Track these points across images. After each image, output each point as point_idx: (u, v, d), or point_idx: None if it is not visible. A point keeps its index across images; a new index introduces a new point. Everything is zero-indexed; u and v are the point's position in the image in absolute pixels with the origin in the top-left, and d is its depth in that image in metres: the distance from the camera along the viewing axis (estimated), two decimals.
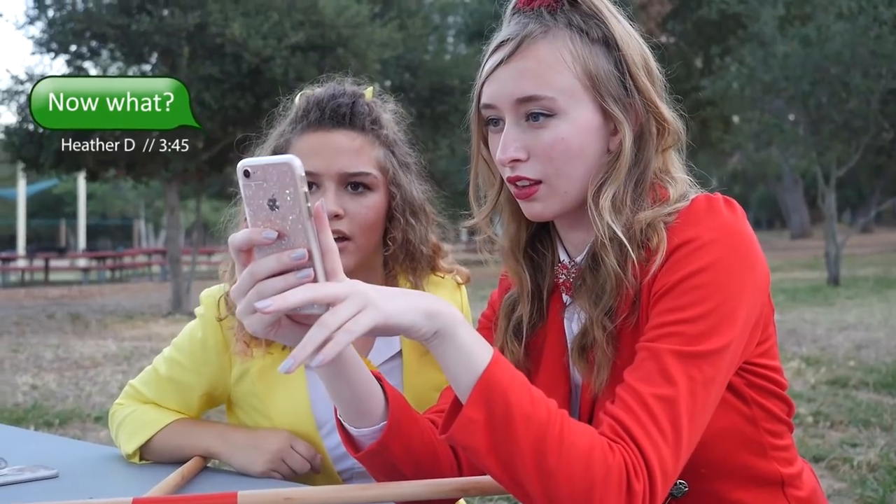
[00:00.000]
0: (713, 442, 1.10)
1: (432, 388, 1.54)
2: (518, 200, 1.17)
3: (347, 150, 1.48)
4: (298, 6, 12.89)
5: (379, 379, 1.13)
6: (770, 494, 1.17)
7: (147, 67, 13.55)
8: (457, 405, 1.02)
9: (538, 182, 1.13)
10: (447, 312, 0.97)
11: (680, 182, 1.17)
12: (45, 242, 37.40)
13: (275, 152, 1.51)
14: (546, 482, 0.94)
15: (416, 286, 1.59)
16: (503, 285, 1.36)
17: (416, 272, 1.60)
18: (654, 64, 1.17)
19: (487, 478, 1.11)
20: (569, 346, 1.21)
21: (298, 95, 1.58)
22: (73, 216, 37.46)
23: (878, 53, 12.80)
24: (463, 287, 1.70)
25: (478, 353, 0.97)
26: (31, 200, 35.32)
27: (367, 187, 1.49)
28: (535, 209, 1.16)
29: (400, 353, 1.58)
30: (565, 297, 1.23)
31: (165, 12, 12.70)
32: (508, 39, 1.13)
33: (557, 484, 0.94)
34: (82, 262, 24.00)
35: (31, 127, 12.75)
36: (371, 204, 1.49)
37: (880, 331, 8.36)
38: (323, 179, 1.47)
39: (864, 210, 33.11)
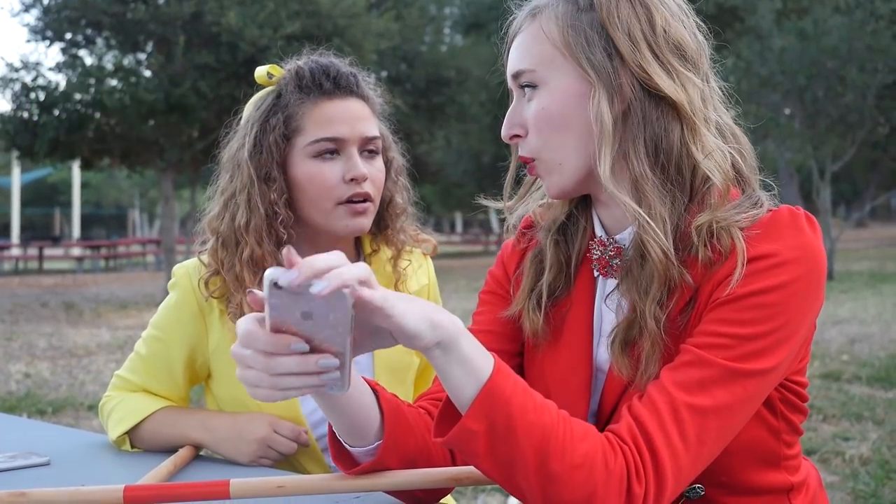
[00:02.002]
0: (738, 453, 1.08)
1: (403, 350, 1.57)
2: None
3: (364, 116, 1.55)
4: None
5: (375, 390, 1.09)
6: (776, 501, 1.16)
7: (142, 56, 13.51)
8: (451, 409, 0.99)
9: (532, 159, 1.14)
10: (448, 322, 0.92)
11: (719, 159, 1.08)
12: (39, 231, 37.40)
13: (286, 120, 1.52)
14: (547, 487, 0.93)
15: (397, 249, 1.64)
16: (521, 240, 1.30)
17: (404, 233, 1.65)
18: (657, 29, 1.08)
19: None
20: (596, 332, 1.18)
21: (265, 71, 1.58)
22: (67, 205, 37.40)
23: (874, 48, 12.83)
24: (429, 259, 1.75)
25: (479, 363, 0.93)
26: (26, 189, 35.24)
27: (377, 151, 1.58)
28: (546, 185, 1.15)
29: None
30: (596, 274, 1.19)
31: (161, 1, 12.66)
32: (517, 16, 1.17)
33: (559, 489, 0.93)
34: (76, 251, 23.93)
35: (25, 115, 12.72)
36: (381, 167, 1.58)
37: (874, 325, 8.39)
38: (347, 144, 1.53)
39: (858, 205, 33.19)
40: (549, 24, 1.10)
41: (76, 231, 31.98)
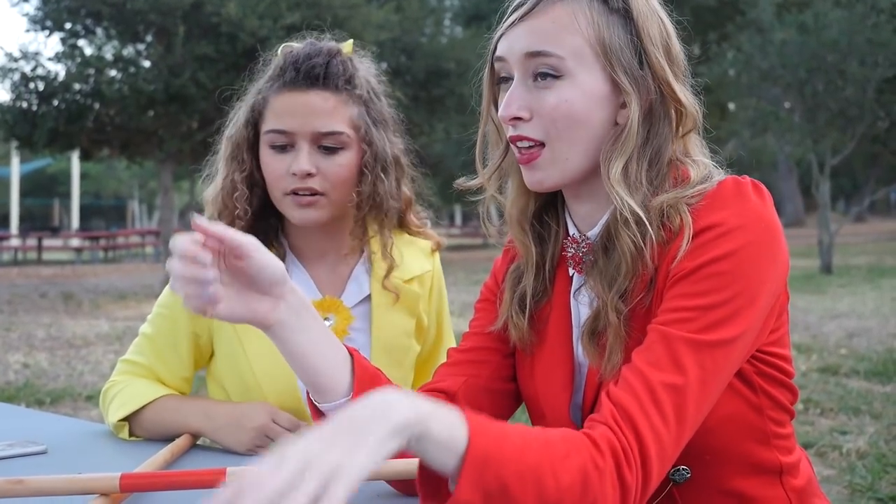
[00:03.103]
0: (718, 429, 1.08)
1: (401, 332, 1.64)
2: (520, 167, 1.16)
3: (321, 111, 1.53)
4: None
5: (352, 354, 1.13)
6: (768, 482, 1.15)
7: (142, 46, 13.50)
8: (433, 475, 0.95)
9: (541, 145, 1.11)
10: (411, 415, 0.83)
11: (702, 165, 1.14)
12: (38, 222, 37.42)
13: (252, 109, 1.58)
14: None
15: (382, 236, 1.65)
16: (507, 255, 1.34)
17: (384, 222, 1.65)
18: (677, 46, 1.15)
19: None
20: (576, 327, 1.20)
21: (281, 49, 1.61)
22: (66, 196, 37.41)
23: (874, 42, 12.82)
24: (436, 254, 1.76)
25: (455, 437, 0.86)
26: (25, 179, 35.24)
27: (340, 146, 1.55)
28: (535, 177, 1.14)
29: (369, 296, 1.64)
30: (572, 272, 1.21)
31: None
32: (526, 0, 1.14)
33: None
34: (75, 242, 23.94)
35: (24, 105, 12.72)
36: (343, 161, 1.55)
37: (872, 319, 8.40)
38: (297, 139, 1.53)
39: (857, 199, 33.22)
40: (580, 17, 1.10)
41: (75, 222, 32.01)
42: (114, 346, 7.52)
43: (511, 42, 1.13)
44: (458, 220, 43.90)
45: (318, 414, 1.13)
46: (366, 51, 1.68)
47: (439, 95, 16.11)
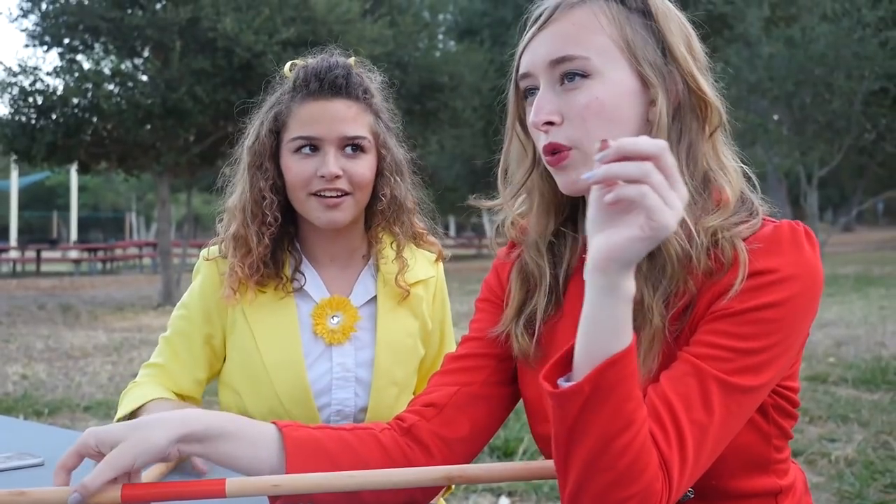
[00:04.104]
0: (728, 458, 1.07)
1: (405, 333, 1.74)
2: (552, 170, 1.12)
3: (345, 117, 1.64)
4: (290, 2, 12.93)
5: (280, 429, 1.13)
6: None
7: (139, 61, 13.59)
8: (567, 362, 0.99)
9: (570, 147, 1.09)
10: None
11: (733, 173, 1.12)
12: (37, 234, 37.34)
13: (276, 118, 1.67)
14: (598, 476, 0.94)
15: (397, 238, 1.75)
16: (497, 270, 1.34)
17: (402, 226, 1.76)
18: (697, 43, 1.14)
19: (472, 466, 1.10)
20: None
21: (288, 66, 1.73)
22: (65, 208, 37.35)
23: (860, 55, 12.92)
24: (440, 263, 1.85)
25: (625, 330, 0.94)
26: (24, 192, 35.17)
27: (362, 149, 1.66)
28: (568, 177, 1.10)
29: (375, 298, 1.75)
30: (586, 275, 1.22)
31: (158, 6, 12.72)
32: (545, 10, 1.13)
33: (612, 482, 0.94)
34: (74, 254, 23.93)
35: (23, 119, 12.79)
36: (366, 164, 1.66)
37: (860, 328, 8.40)
38: (324, 143, 1.63)
39: (845, 209, 33.25)
40: (601, 17, 1.09)
41: (73, 234, 31.95)
42: (111, 357, 7.55)
43: (534, 52, 1.12)
44: (453, 230, 43.83)
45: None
46: (363, 64, 1.78)
47: (433, 109, 16.14)
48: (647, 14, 1.11)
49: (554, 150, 1.10)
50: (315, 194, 1.64)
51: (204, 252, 1.77)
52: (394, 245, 1.76)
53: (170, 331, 1.75)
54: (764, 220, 1.10)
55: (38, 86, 12.80)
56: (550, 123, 1.10)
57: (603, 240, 0.92)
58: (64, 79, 12.88)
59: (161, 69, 12.58)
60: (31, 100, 12.72)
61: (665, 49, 1.10)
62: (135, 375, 1.78)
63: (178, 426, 1.05)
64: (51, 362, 7.42)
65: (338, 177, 1.63)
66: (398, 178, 1.73)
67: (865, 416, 4.87)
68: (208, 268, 1.74)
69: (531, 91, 1.15)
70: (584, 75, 1.08)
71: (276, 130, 1.68)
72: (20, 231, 31.66)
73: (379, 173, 1.70)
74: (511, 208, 1.24)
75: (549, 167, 1.13)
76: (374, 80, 1.74)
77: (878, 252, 22.70)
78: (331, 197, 1.63)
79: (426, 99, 15.87)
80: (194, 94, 12.29)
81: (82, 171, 14.87)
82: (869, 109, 13.60)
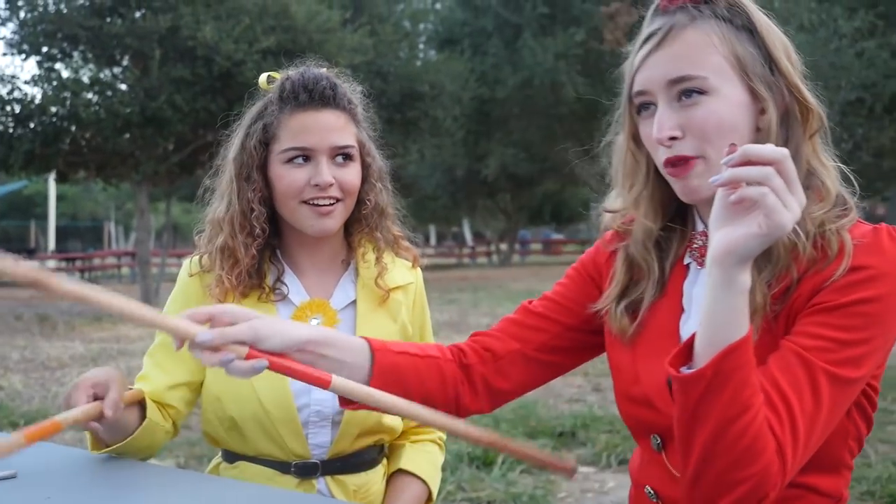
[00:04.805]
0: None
1: (384, 336, 1.73)
2: (672, 180, 1.21)
3: (335, 127, 1.67)
4: (270, 11, 12.97)
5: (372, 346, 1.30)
6: None
7: (118, 70, 13.56)
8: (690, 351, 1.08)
9: (695, 157, 1.17)
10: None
11: (831, 171, 1.21)
12: (14, 243, 37.00)
13: (265, 129, 1.69)
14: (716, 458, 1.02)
15: (378, 243, 1.78)
16: (598, 251, 1.44)
17: (383, 232, 1.79)
18: (794, 53, 1.22)
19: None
20: (686, 317, 1.27)
21: (264, 78, 1.74)
22: (43, 217, 37.12)
23: (837, 66, 13.06)
24: (418, 269, 1.89)
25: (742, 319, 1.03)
26: (1, 201, 34.98)
27: (351, 158, 1.70)
28: (690, 186, 1.19)
29: (355, 302, 1.77)
30: (687, 261, 1.29)
31: (137, 15, 12.72)
32: (657, 30, 1.20)
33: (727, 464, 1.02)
34: (52, 264, 23.81)
35: (0, 128, 12.72)
36: (355, 172, 1.70)
37: None
38: (316, 153, 1.66)
39: None
40: (713, 37, 1.17)
41: (51, 243, 31.83)
42: (88, 368, 7.42)
43: (650, 73, 1.20)
44: (433, 239, 43.90)
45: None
46: (343, 75, 1.80)
47: (414, 118, 16.22)
48: (752, 30, 1.19)
49: (677, 161, 1.19)
50: (307, 203, 1.66)
51: (186, 266, 1.77)
52: (374, 250, 1.79)
53: (152, 345, 1.76)
54: (857, 220, 1.18)
55: (16, 94, 12.78)
56: (674, 138, 1.18)
57: (723, 236, 1.02)
58: (42, 87, 12.85)
59: (140, 78, 12.57)
60: (8, 108, 12.69)
61: (771, 62, 1.19)
62: None
63: (308, 330, 1.23)
64: (27, 373, 7.38)
65: (330, 184, 1.66)
66: (381, 185, 1.78)
67: None
68: (192, 282, 1.74)
69: (645, 106, 1.23)
70: (702, 92, 1.17)
71: (266, 142, 1.69)
72: None
73: (364, 180, 1.74)
74: (636, 210, 1.33)
75: (669, 177, 1.22)
76: (355, 91, 1.77)
77: None
78: (324, 205, 1.66)
79: (407, 108, 15.95)
80: (174, 102, 12.30)
81: (60, 179, 14.84)
82: (846, 119, 13.74)
